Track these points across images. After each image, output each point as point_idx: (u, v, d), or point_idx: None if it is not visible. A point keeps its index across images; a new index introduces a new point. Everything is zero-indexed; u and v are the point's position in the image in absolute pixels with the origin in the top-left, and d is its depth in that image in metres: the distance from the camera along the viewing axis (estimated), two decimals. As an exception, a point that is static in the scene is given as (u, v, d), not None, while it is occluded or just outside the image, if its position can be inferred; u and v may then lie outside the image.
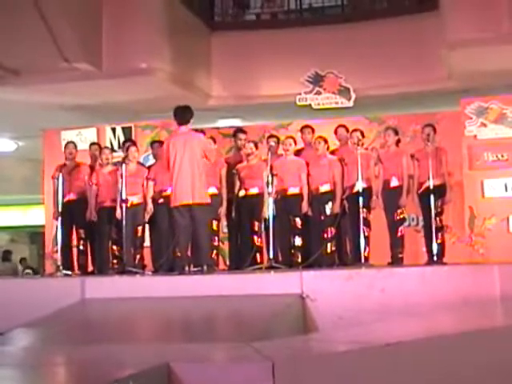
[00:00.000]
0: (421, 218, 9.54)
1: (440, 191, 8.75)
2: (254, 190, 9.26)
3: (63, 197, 9.21)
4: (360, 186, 8.73)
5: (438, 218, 8.67)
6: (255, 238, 9.19)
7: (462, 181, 10.26)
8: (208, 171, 8.50)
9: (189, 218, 7.99)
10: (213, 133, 10.21)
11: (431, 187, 8.58)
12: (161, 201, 9.10)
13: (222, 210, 9.16)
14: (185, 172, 7.96)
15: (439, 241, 8.67)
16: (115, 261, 9.22)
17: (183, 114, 8.23)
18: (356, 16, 12.13)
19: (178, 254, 8.40)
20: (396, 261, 8.77)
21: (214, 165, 9.05)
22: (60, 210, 9.13)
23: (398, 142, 9.23)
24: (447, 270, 7.60)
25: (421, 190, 8.84)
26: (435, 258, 8.51)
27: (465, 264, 8.73)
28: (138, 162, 9.64)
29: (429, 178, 8.59)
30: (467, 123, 10.48)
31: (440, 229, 8.77)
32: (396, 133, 9.23)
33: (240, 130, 10.19)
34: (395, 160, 8.96)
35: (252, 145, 9.40)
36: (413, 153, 9.07)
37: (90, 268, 9.61)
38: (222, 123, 12.57)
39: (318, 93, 11.70)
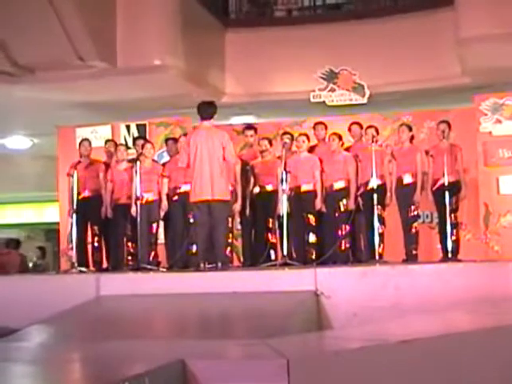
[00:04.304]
0: (435, 214, 9.51)
1: (455, 188, 8.73)
2: (268, 187, 9.27)
3: (78, 194, 9.25)
4: (374, 182, 8.72)
5: (452, 215, 8.66)
6: (269, 234, 9.21)
7: (476, 177, 10.20)
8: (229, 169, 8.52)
9: (207, 215, 7.99)
10: (227, 130, 10.20)
11: (446, 184, 8.56)
12: (175, 198, 9.13)
13: (237, 207, 9.18)
14: (205, 168, 7.96)
15: (454, 238, 8.65)
16: (130, 258, 9.26)
17: (205, 109, 8.22)
18: (370, 12, 12.10)
19: (193, 250, 8.42)
20: (410, 258, 8.75)
21: (229, 162, 9.06)
22: (75, 207, 9.17)
23: (412, 138, 9.22)
24: (462, 267, 7.58)
25: (435, 186, 8.82)
26: (450, 255, 8.50)
27: (479, 261, 8.70)
28: (153, 159, 9.66)
29: (443, 175, 8.58)
30: (482, 120, 10.42)
31: (455, 226, 8.75)
32: (410, 129, 9.22)
33: (248, 126, 10.21)
34: (409, 157, 8.95)
35: (266, 142, 9.42)
36: (427, 149, 9.05)
37: (105, 265, 9.65)
38: (236, 120, 12.56)
39: (332, 90, 11.67)
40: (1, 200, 18.55)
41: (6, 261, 13.00)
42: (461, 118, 10.32)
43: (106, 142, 10.41)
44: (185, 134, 9.39)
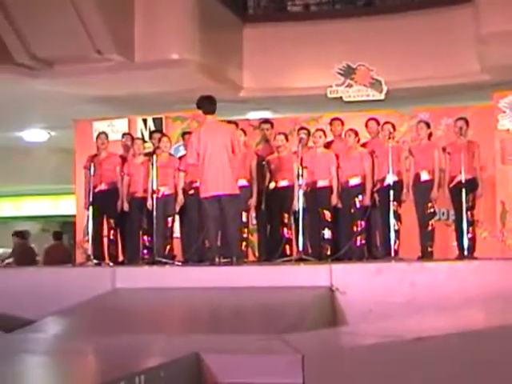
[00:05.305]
0: (451, 212, 9.49)
1: (471, 185, 8.69)
2: (283, 183, 9.27)
3: (94, 187, 9.27)
4: (391, 179, 8.70)
5: (469, 213, 8.62)
6: (285, 229, 9.21)
7: (493, 175, 10.15)
8: (238, 163, 8.51)
9: (218, 209, 7.99)
10: (243, 125, 10.22)
11: (463, 181, 8.53)
12: (191, 192, 9.13)
13: (252, 202, 9.18)
14: (213, 162, 7.95)
15: (470, 235, 8.62)
16: (145, 251, 9.28)
17: (209, 104, 8.19)
18: (388, 8, 12.06)
19: (208, 244, 8.43)
20: (426, 255, 8.73)
21: (244, 157, 9.07)
22: (91, 200, 9.20)
23: (429, 135, 9.18)
24: (478, 265, 7.54)
25: (452, 184, 8.78)
26: (466, 253, 8.46)
27: (496, 259, 8.66)
28: (169, 153, 9.67)
29: (460, 172, 8.54)
30: (500, 117, 10.36)
31: (471, 223, 8.71)
32: (428, 126, 9.18)
33: (265, 120, 10.21)
34: (427, 153, 8.91)
35: (282, 137, 9.41)
36: (445, 146, 9.01)
37: (121, 258, 9.67)
38: (253, 115, 12.56)
39: (350, 85, 11.65)
40: (17, 192, 18.67)
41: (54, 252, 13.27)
42: (479, 115, 10.26)
43: (123, 135, 10.43)
44: (189, 132, 9.38)
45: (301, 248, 8.52)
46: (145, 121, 11.70)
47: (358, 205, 8.97)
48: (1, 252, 16.51)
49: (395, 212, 8.69)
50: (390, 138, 8.89)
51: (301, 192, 8.72)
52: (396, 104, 11.26)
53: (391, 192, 8.63)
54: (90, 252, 9.24)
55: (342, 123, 9.61)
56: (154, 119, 11.73)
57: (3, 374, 3.48)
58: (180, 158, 9.65)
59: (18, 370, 3.71)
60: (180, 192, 9.25)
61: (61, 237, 14.21)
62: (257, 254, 9.80)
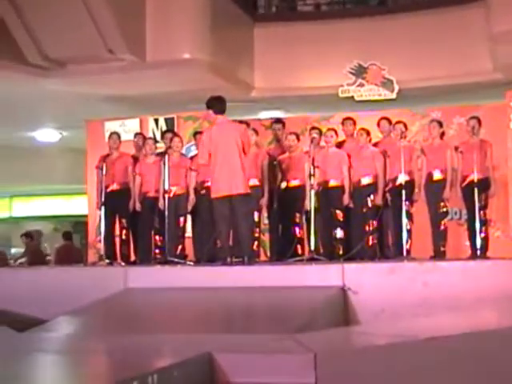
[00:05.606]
0: (464, 211, 9.46)
1: (484, 185, 8.66)
2: (295, 182, 9.26)
3: (106, 187, 9.29)
4: (403, 178, 8.68)
5: (481, 212, 8.59)
6: (297, 229, 9.20)
7: (506, 174, 10.11)
8: (250, 162, 8.51)
9: (229, 209, 7.98)
10: (255, 124, 10.22)
11: (475, 180, 8.50)
12: (203, 191, 9.13)
13: (264, 202, 9.18)
14: (224, 162, 7.91)
15: (483, 235, 8.59)
16: (157, 251, 9.29)
17: (220, 104, 8.18)
18: (399, 7, 12.03)
19: (220, 244, 8.43)
20: (438, 254, 8.70)
21: (256, 156, 9.07)
22: (103, 199, 9.22)
23: (442, 134, 9.15)
24: (490, 265, 7.51)
25: (465, 183, 8.75)
26: (478, 253, 8.43)
27: (509, 258, 8.62)
28: (181, 153, 9.68)
29: (473, 172, 8.51)
30: (513, 116, 10.32)
31: (484, 223, 8.68)
32: (441, 125, 9.15)
33: (276, 120, 10.21)
34: (439, 153, 8.89)
35: (294, 137, 9.40)
36: (457, 145, 8.98)
37: (133, 258, 9.69)
38: (265, 115, 12.56)
39: (361, 85, 11.63)
40: (30, 192, 18.74)
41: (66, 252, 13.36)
42: (492, 114, 10.22)
43: (135, 135, 10.44)
44: (200, 132, 9.38)
45: (313, 248, 8.51)
46: (156, 121, 11.73)
47: (369, 204, 8.95)
48: (14, 252, 16.61)
49: (407, 211, 8.67)
50: (401, 137, 8.87)
51: (312, 192, 8.71)
52: (408, 103, 11.23)
53: (403, 191, 8.62)
54: (102, 252, 9.26)
55: (354, 123, 9.59)
56: (165, 119, 11.75)
57: (16, 373, 3.49)
58: (192, 157, 9.66)
59: (31, 369, 3.72)
60: (192, 192, 9.26)
61: (70, 237, 14.24)
62: (268, 254, 9.80)
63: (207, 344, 4.13)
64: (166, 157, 8.94)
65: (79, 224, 16.03)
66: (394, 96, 11.49)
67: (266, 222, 9.79)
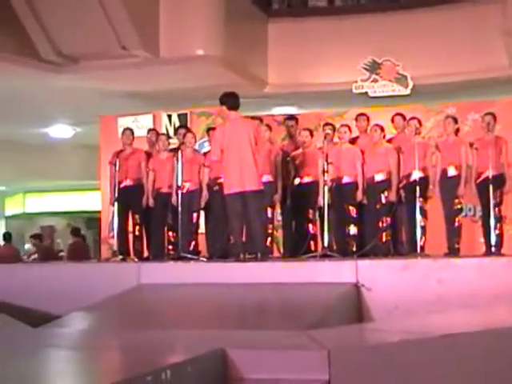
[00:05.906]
0: (478, 208, 9.40)
1: (499, 181, 8.60)
2: (308, 178, 9.23)
3: (120, 183, 9.30)
4: (417, 175, 8.64)
5: (496, 209, 8.54)
6: (310, 225, 9.18)
7: (521, 171, 10.04)
8: (263, 158, 8.49)
9: (242, 205, 7.96)
10: (268, 120, 10.20)
11: (490, 177, 8.44)
12: (216, 188, 9.12)
13: (277, 198, 9.17)
14: (237, 159, 7.88)
15: (497, 232, 8.54)
16: (170, 247, 9.29)
17: (233, 100, 8.14)
18: (414, 3, 11.97)
19: (233, 240, 8.42)
20: (453, 251, 8.65)
21: (269, 152, 9.05)
22: (116, 195, 9.24)
23: (457, 130, 9.10)
24: (505, 262, 7.45)
25: (479, 179, 8.69)
26: (493, 249, 8.39)
27: (524, 255, 8.58)
28: (194, 149, 9.68)
29: (488, 168, 8.46)
30: (529, 112, 10.25)
31: (498, 219, 8.62)
32: (456, 122, 9.09)
33: (289, 117, 10.18)
34: (454, 149, 8.83)
35: (307, 133, 9.38)
36: (472, 142, 8.93)
37: (146, 254, 9.70)
38: (278, 111, 12.54)
39: (375, 80, 11.60)
40: (43, 188, 18.82)
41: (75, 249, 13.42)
42: (507, 110, 10.15)
43: (148, 131, 10.45)
44: (213, 128, 9.36)
45: (326, 244, 8.49)
46: (169, 116, 11.74)
47: (383, 201, 8.92)
48: (27, 247, 16.67)
49: (421, 208, 8.63)
50: (416, 133, 8.84)
51: (326, 188, 8.68)
52: (422, 99, 11.19)
53: (417, 188, 8.58)
54: (115, 248, 9.28)
55: (368, 119, 9.56)
56: (178, 115, 11.76)
57: (29, 368, 3.50)
58: (205, 153, 9.65)
59: (44, 365, 3.73)
60: (205, 188, 9.26)
61: (79, 233, 14.23)
62: (282, 250, 9.78)
63: (220, 340, 4.12)
64: (179, 153, 8.93)
65: (92, 220, 16.07)
66: (408, 92, 11.46)
67: (280, 218, 9.78)
